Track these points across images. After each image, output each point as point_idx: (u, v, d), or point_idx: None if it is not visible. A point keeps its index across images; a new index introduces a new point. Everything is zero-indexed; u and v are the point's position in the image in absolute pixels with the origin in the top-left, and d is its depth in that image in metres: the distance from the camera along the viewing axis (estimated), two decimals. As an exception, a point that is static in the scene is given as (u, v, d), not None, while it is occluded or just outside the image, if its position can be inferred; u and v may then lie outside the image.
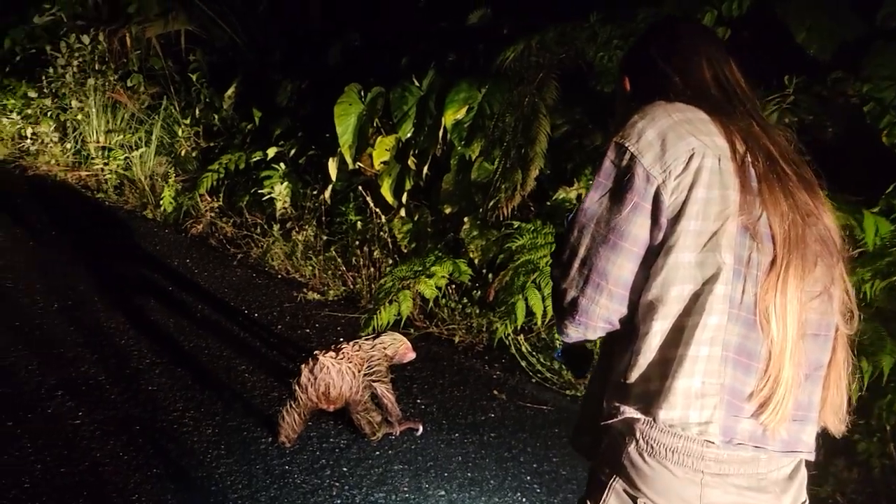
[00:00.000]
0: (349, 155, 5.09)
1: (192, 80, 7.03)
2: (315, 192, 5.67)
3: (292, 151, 6.03)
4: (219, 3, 7.37)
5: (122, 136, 7.16)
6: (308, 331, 4.33)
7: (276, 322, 4.41)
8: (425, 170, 4.97)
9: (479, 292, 4.52)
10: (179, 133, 6.89)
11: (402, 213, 5.04)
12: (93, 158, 7.23)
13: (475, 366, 4.09)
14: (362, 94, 5.16)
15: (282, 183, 5.71)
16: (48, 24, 8.62)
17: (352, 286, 4.95)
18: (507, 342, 4.04)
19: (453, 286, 4.54)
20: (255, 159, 6.09)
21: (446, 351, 4.23)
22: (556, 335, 4.11)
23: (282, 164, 5.85)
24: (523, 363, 4.01)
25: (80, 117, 7.42)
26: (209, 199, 6.12)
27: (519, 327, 3.90)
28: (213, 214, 6.03)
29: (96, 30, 7.91)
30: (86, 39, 7.66)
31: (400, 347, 3.36)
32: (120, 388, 3.59)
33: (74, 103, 7.48)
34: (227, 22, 7.37)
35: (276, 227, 5.48)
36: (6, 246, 5.31)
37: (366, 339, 3.32)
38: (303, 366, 3.09)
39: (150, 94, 7.59)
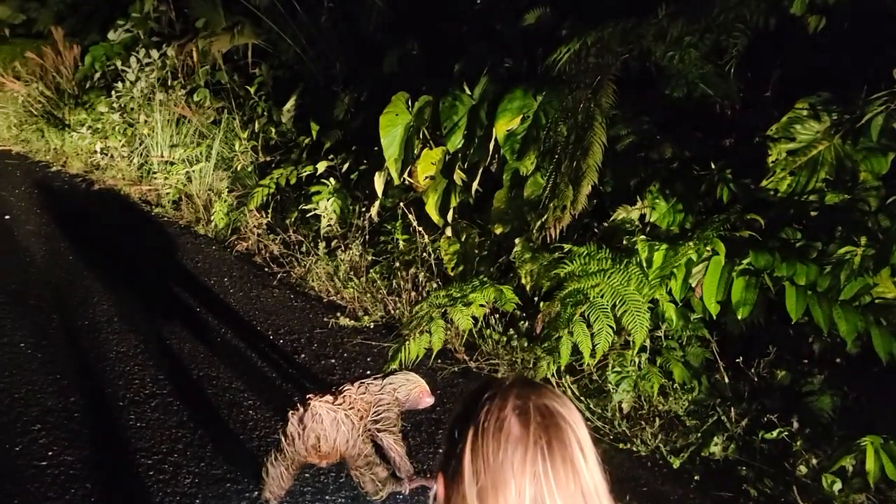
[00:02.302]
0: (395, 169, 4.60)
1: (252, 93, 6.72)
2: (364, 209, 5.22)
3: (345, 166, 5.60)
4: (284, 16, 7.09)
5: (184, 151, 6.93)
6: (333, 361, 3.84)
7: (302, 350, 3.94)
8: (475, 185, 4.43)
9: (527, 323, 3.93)
10: (237, 147, 6.59)
11: (449, 232, 4.50)
12: (155, 173, 7.03)
13: (515, 409, 3.50)
14: (410, 103, 4.67)
15: (328, 199, 5.28)
16: (127, 40, 8.59)
17: (393, 311, 4.45)
18: (552, 383, 3.44)
19: (497, 315, 3.97)
20: (305, 174, 5.69)
21: (485, 390, 3.65)
22: (611, 378, 3.49)
23: (331, 180, 5.42)
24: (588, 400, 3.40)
25: (145, 132, 7.25)
26: (258, 214, 5.76)
27: (563, 367, 3.29)
28: (261, 231, 5.67)
29: (168, 45, 7.79)
30: (155, 54, 7.52)
31: (413, 390, 2.81)
32: (104, 423, 3.19)
33: (142, 118, 7.34)
34: (292, 34, 7.07)
35: (321, 246, 5.05)
36: (46, 260, 5.07)
37: (374, 380, 2.79)
38: (291, 412, 2.57)
39: (216, 108, 7.36)
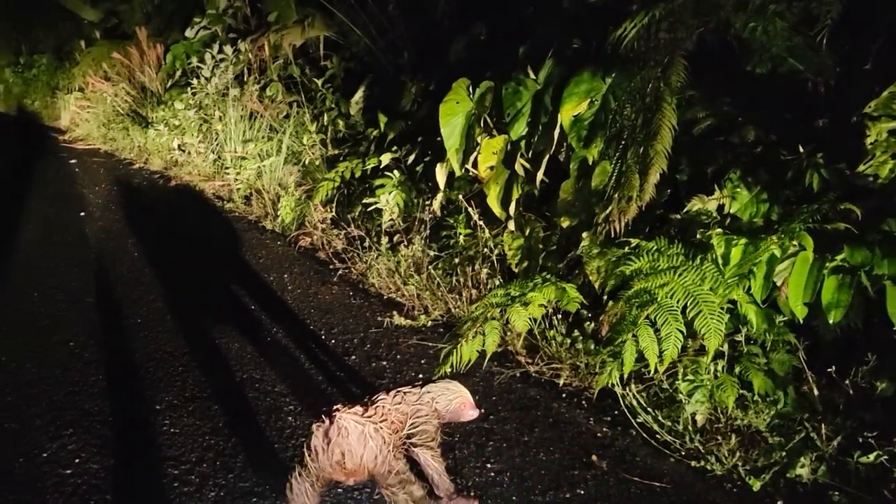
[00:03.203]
0: (456, 160, 4.33)
1: (319, 86, 6.58)
2: (428, 203, 4.97)
3: (410, 158, 5.37)
4: (354, 6, 6.92)
5: (255, 146, 6.88)
6: (385, 363, 3.61)
7: (354, 350, 3.73)
8: (540, 175, 4.11)
9: (593, 323, 3.60)
10: (305, 141, 6.47)
11: (512, 226, 4.20)
12: (227, 168, 7.01)
13: (577, 418, 3.18)
14: (471, 90, 4.39)
15: (391, 193, 5.07)
16: (206, 38, 8.64)
17: (453, 310, 4.19)
18: (617, 392, 3.11)
19: (560, 315, 3.65)
20: (370, 166, 5.49)
21: (545, 397, 3.35)
22: (683, 387, 3.13)
23: (396, 172, 5.21)
24: (638, 419, 3.06)
25: (219, 128, 7.24)
26: (323, 209, 5.61)
27: (626, 375, 2.95)
28: (325, 226, 5.51)
29: (242, 40, 7.77)
30: (228, 51, 7.50)
31: (455, 401, 2.54)
32: (137, 429, 3.05)
33: (216, 114, 7.34)
34: (363, 25, 6.90)
35: (383, 241, 4.84)
36: (112, 257, 5.05)
37: (412, 389, 2.53)
38: (316, 425, 2.35)
39: (288, 102, 7.28)
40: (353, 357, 3.66)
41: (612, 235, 3.30)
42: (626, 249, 3.32)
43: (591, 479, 2.76)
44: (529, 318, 3.28)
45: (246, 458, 2.81)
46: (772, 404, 2.94)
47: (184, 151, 7.67)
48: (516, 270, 4.18)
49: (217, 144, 7.30)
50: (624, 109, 3.37)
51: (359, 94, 6.47)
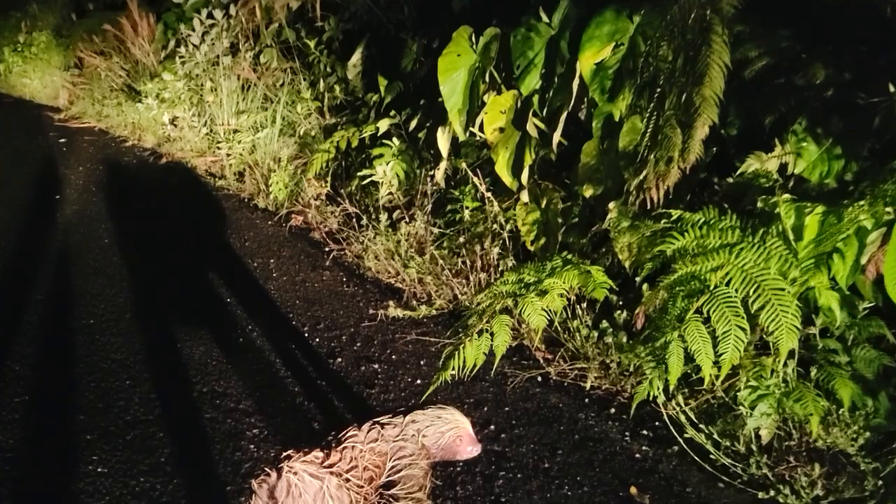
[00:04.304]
0: (458, 122, 3.66)
1: (310, 47, 5.89)
2: (431, 173, 4.31)
3: (412, 123, 4.69)
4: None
5: (249, 118, 6.23)
6: (376, 366, 2.98)
7: (341, 351, 3.10)
8: (557, 136, 3.43)
9: (625, 312, 2.94)
10: (300, 110, 5.81)
11: (525, 197, 3.53)
12: (220, 142, 6.37)
13: (608, 434, 2.53)
14: (475, 40, 3.70)
15: (389, 163, 4.40)
16: (199, 4, 7.97)
17: (460, 297, 3.54)
18: (658, 403, 2.46)
19: (586, 302, 2.99)
20: (367, 134, 4.82)
21: (569, 405, 2.70)
22: (744, 396, 2.46)
23: (395, 140, 4.54)
24: (685, 435, 2.40)
25: (211, 99, 6.60)
26: (317, 184, 4.97)
27: (674, 386, 2.30)
28: (319, 203, 4.87)
29: (234, 5, 7.09)
30: (218, 14, 6.82)
31: (448, 434, 1.91)
32: (52, 470, 2.41)
33: (207, 84, 6.69)
34: (360, -19, 6.19)
35: (382, 218, 4.19)
36: (82, 243, 4.44)
37: (392, 420, 1.90)
38: (257, 480, 1.72)
39: (283, 69, 6.60)
40: (339, 360, 3.03)
41: (648, 206, 2.62)
42: (665, 223, 2.64)
43: (631, 521, 2.12)
44: (547, 311, 2.62)
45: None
46: (861, 417, 2.27)
47: (176, 126, 7.05)
48: (532, 249, 3.52)
49: (209, 117, 6.66)
50: (659, 49, 2.66)
51: (356, 56, 5.77)
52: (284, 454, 1.74)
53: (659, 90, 2.63)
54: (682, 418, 2.38)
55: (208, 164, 6.36)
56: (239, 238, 4.52)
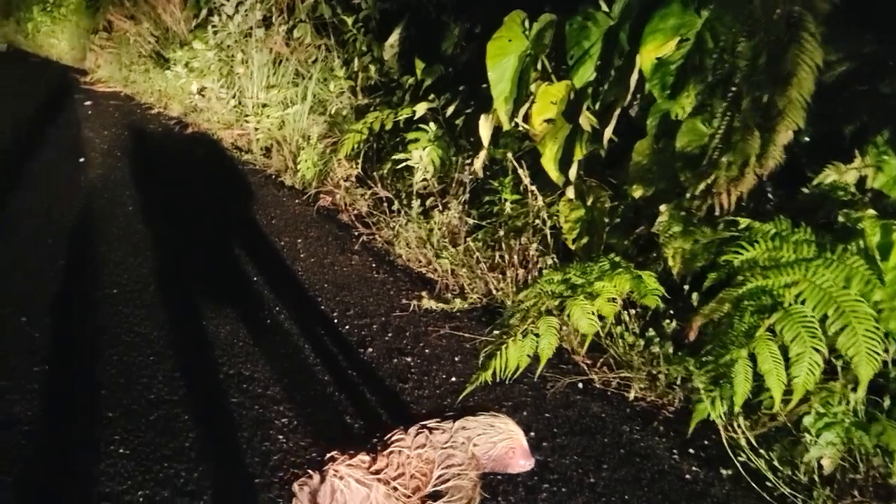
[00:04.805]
0: (504, 110, 3.48)
1: (347, 24, 5.71)
2: (468, 162, 4.13)
3: (449, 109, 4.51)
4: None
5: (279, 92, 6.06)
6: (409, 359, 2.82)
7: (372, 340, 2.94)
8: (608, 133, 3.25)
9: (674, 322, 2.77)
10: (332, 88, 5.63)
11: (571, 193, 3.36)
12: (248, 116, 6.21)
13: (655, 450, 2.37)
14: (527, 25, 3.52)
15: (425, 148, 4.24)
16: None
17: (495, 292, 3.38)
18: (716, 423, 2.29)
19: (631, 309, 2.83)
20: (403, 117, 4.64)
21: (612, 415, 2.54)
22: (809, 422, 2.29)
23: (432, 125, 4.37)
24: (741, 458, 2.24)
25: (241, 71, 6.43)
26: (348, 165, 4.80)
27: (738, 409, 2.13)
28: (349, 184, 4.71)
29: (270, -24, 6.91)
30: (253, -16, 6.64)
31: (501, 445, 1.75)
32: (73, 447, 2.27)
33: (238, 56, 6.52)
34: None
35: (415, 204, 4.02)
36: (104, 210, 4.29)
37: (441, 424, 1.75)
38: (298, 483, 1.57)
39: (316, 45, 6.42)
40: (370, 350, 2.87)
41: (717, 212, 2.45)
42: (731, 232, 2.47)
43: (685, 550, 1.96)
44: (598, 316, 2.46)
45: (213, 499, 2.04)
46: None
47: (203, 96, 6.89)
48: (573, 248, 3.35)
49: (238, 89, 6.49)
50: (736, 45, 2.48)
51: (394, 37, 5.58)
52: (328, 455, 1.59)
53: (733, 90, 2.45)
54: (743, 441, 2.21)
55: (235, 137, 6.21)
56: (265, 215, 4.36)
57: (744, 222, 2.35)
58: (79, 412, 2.42)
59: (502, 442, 1.76)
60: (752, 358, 2.06)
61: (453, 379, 2.72)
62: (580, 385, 2.69)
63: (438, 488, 1.67)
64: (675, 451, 2.37)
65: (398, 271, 3.67)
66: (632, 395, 2.66)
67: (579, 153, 3.23)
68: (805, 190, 2.41)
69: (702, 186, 2.49)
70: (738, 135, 2.33)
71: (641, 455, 2.34)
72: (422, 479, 1.66)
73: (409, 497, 1.60)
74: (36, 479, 2.10)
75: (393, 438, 1.69)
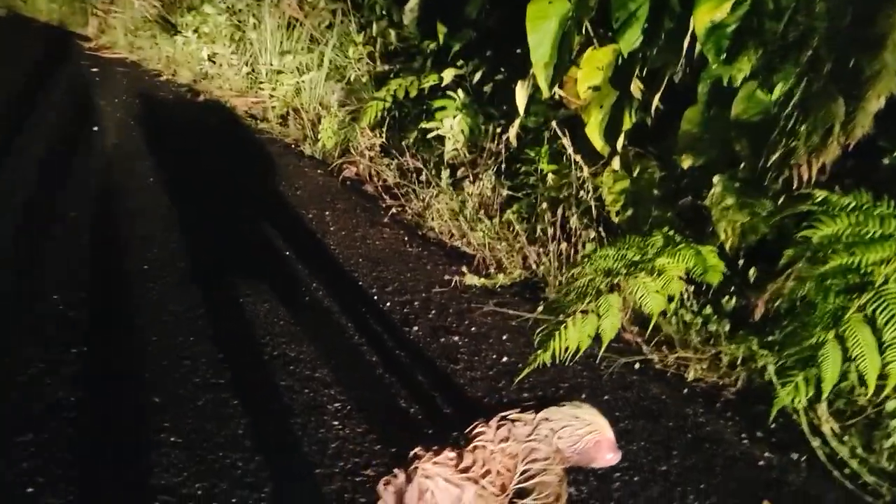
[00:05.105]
0: (544, 77, 3.30)
1: (365, -15, 5.49)
2: (499, 130, 3.97)
3: (477, 75, 4.33)
4: None
5: (294, 58, 5.86)
6: (456, 338, 2.70)
7: (416, 318, 2.82)
8: (656, 101, 3.10)
9: (735, 300, 2.64)
10: (350, 54, 5.43)
11: (616, 164, 3.21)
12: (262, 83, 6.01)
13: (723, 434, 2.26)
14: (570, -14, 3.34)
15: (455, 117, 4.07)
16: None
17: (535, 267, 3.25)
18: (792, 408, 2.18)
19: (691, 288, 2.70)
20: (428, 85, 4.47)
21: (672, 397, 2.43)
22: (892, 409, 2.18)
23: (460, 92, 4.20)
24: (816, 442, 2.13)
25: (254, 36, 6.22)
26: (371, 134, 4.63)
27: (826, 396, 2.01)
28: (373, 154, 4.55)
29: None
30: (264, -56, 6.39)
31: (588, 438, 1.63)
32: (119, 435, 2.14)
33: (250, 20, 6.30)
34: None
35: (444, 175, 3.88)
36: (121, 181, 4.12)
37: (521, 416, 1.62)
38: (384, 482, 1.45)
39: (331, 10, 6.20)
40: (415, 328, 2.75)
41: (795, 185, 2.31)
42: (798, 205, 2.33)
43: (772, 545, 1.86)
44: (667, 296, 2.33)
45: (274, 491, 1.93)
46: None
47: (214, 63, 6.68)
48: (616, 221, 3.22)
49: (251, 56, 6.28)
50: (813, 5, 2.31)
51: (414, 1, 5.38)
52: (412, 453, 1.46)
53: (811, 52, 2.29)
54: (826, 428, 2.10)
55: (249, 104, 6.01)
56: (289, 186, 4.21)
57: (819, 194, 2.22)
58: (123, 397, 2.29)
59: (588, 435, 1.64)
60: (840, 340, 1.94)
61: (504, 359, 2.60)
62: (640, 364, 2.57)
63: (522, 485, 1.56)
64: (743, 435, 2.26)
65: (432, 245, 3.53)
66: (691, 376, 2.54)
67: (628, 122, 3.07)
68: (886, 161, 2.27)
69: (775, 157, 2.35)
70: (819, 101, 2.18)
71: (710, 440, 2.23)
72: (507, 474, 1.54)
73: (496, 496, 1.49)
74: (86, 472, 1.98)
75: (475, 432, 1.57)
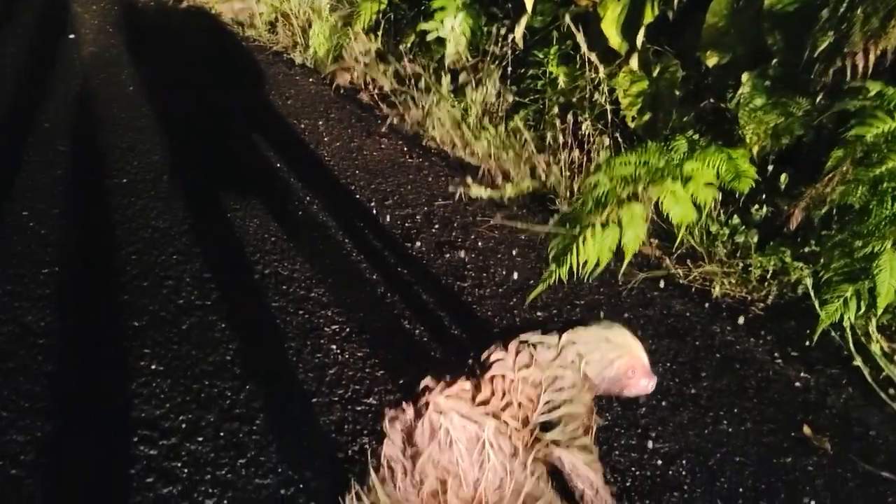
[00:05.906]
0: (555, -33, 2.98)
1: None
2: (503, 32, 3.63)
3: (478, -28, 3.96)
4: None
5: (282, -42, 5.41)
6: (462, 254, 2.46)
7: (417, 233, 2.57)
8: (679, -7, 2.78)
9: (764, 208, 2.41)
10: (342, -48, 5.00)
11: (634, 63, 2.91)
12: (248, -14, 5.58)
13: (754, 353, 2.05)
14: None
15: (455, 17, 3.72)
16: None
17: (544, 177, 2.99)
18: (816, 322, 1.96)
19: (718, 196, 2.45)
20: (425, -17, 4.09)
21: (698, 315, 2.22)
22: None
23: (460, -9, 3.83)
24: (859, 360, 1.93)
25: (238, -63, 5.74)
26: (366, 38, 4.28)
27: (879, 314, 1.79)
28: (368, 60, 4.21)
29: None
30: None
31: (619, 363, 1.41)
32: (95, 364, 1.92)
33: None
34: None
35: (444, 81, 3.56)
36: (101, 92, 3.80)
37: (544, 338, 1.40)
38: (389, 415, 1.24)
39: None
40: (418, 243, 2.51)
41: (848, 76, 2.03)
42: (841, 101, 2.06)
43: (818, 474, 1.67)
44: (695, 205, 2.09)
45: (267, 423, 1.73)
46: None
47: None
48: (632, 125, 2.94)
49: (235, -43, 5.82)
50: None
51: None
52: (422, 384, 1.24)
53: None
54: (876, 347, 1.89)
55: (235, 10, 5.59)
56: (280, 95, 3.89)
57: (874, 87, 1.95)
58: (99, 321, 2.07)
59: (619, 360, 1.41)
60: None
61: (515, 276, 2.37)
62: (664, 280, 2.35)
63: (547, 417, 1.34)
64: (776, 354, 2.05)
65: (433, 155, 3.26)
66: (716, 291, 2.33)
67: (650, 15, 2.75)
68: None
69: (822, 48, 2.06)
70: (878, -20, 1.88)
71: (740, 360, 2.02)
72: (530, 406, 1.33)
73: (518, 431, 1.28)
74: (56, 405, 1.77)
75: (492, 358, 1.35)
